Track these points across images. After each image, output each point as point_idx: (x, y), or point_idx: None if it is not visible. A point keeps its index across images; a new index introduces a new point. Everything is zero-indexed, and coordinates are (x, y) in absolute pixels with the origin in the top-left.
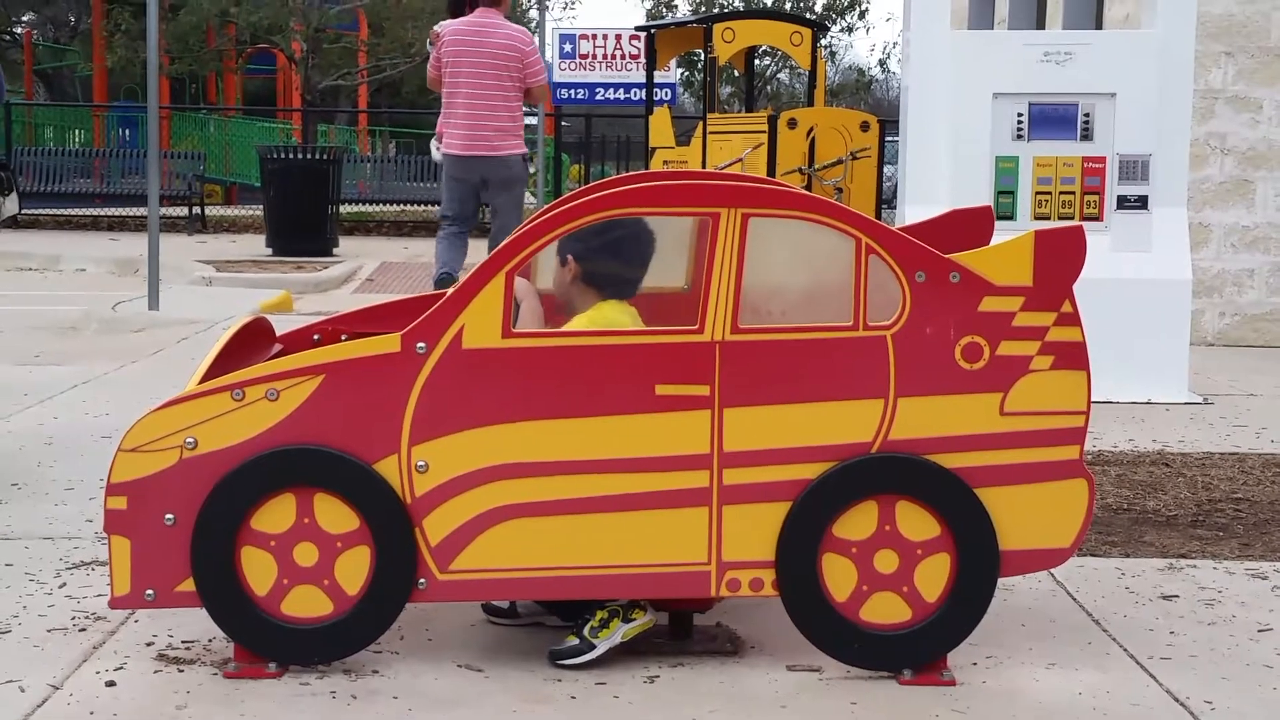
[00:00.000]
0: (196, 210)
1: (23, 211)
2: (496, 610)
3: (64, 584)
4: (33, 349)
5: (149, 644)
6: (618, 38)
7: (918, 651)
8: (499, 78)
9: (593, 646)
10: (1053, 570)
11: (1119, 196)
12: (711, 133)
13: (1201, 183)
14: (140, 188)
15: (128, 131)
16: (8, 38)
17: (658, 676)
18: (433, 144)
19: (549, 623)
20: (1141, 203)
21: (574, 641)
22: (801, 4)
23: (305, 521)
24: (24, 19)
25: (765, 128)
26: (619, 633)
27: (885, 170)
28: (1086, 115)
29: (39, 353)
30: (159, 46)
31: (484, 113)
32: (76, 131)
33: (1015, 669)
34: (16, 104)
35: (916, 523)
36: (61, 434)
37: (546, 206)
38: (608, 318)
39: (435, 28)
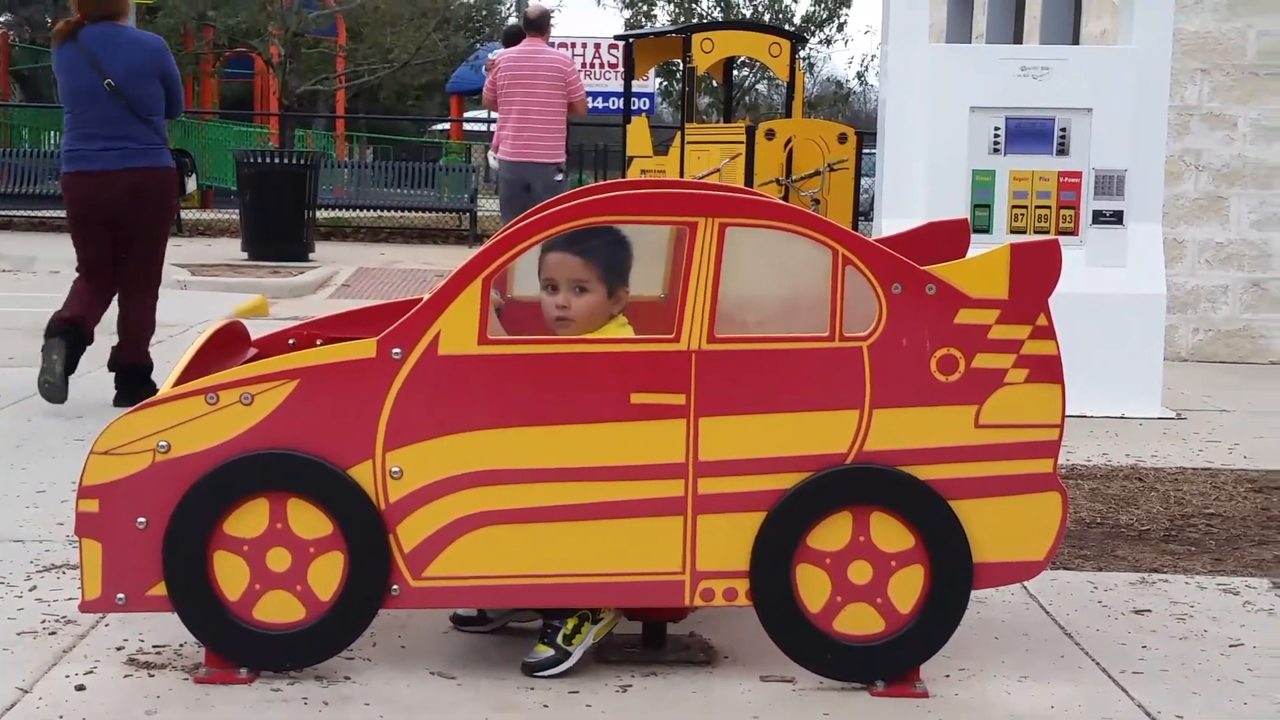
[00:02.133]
0: None
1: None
2: (465, 619)
3: (34, 587)
4: (6, 351)
5: (119, 648)
6: (596, 47)
7: (891, 663)
8: (546, 96)
9: (568, 655)
10: (1026, 583)
11: (1094, 211)
12: (689, 142)
13: (1176, 199)
14: None
15: None
16: None
17: (630, 686)
18: (489, 153)
19: (516, 623)
20: (1117, 218)
21: (549, 652)
22: (780, 15)
23: (278, 526)
24: (0, 19)
25: (743, 138)
26: (590, 635)
27: (862, 182)
28: (1063, 130)
29: (12, 355)
30: None
31: (533, 126)
32: (52, 133)
33: (988, 681)
34: None
35: (890, 534)
36: (34, 436)
37: (524, 214)
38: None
39: (491, 56)
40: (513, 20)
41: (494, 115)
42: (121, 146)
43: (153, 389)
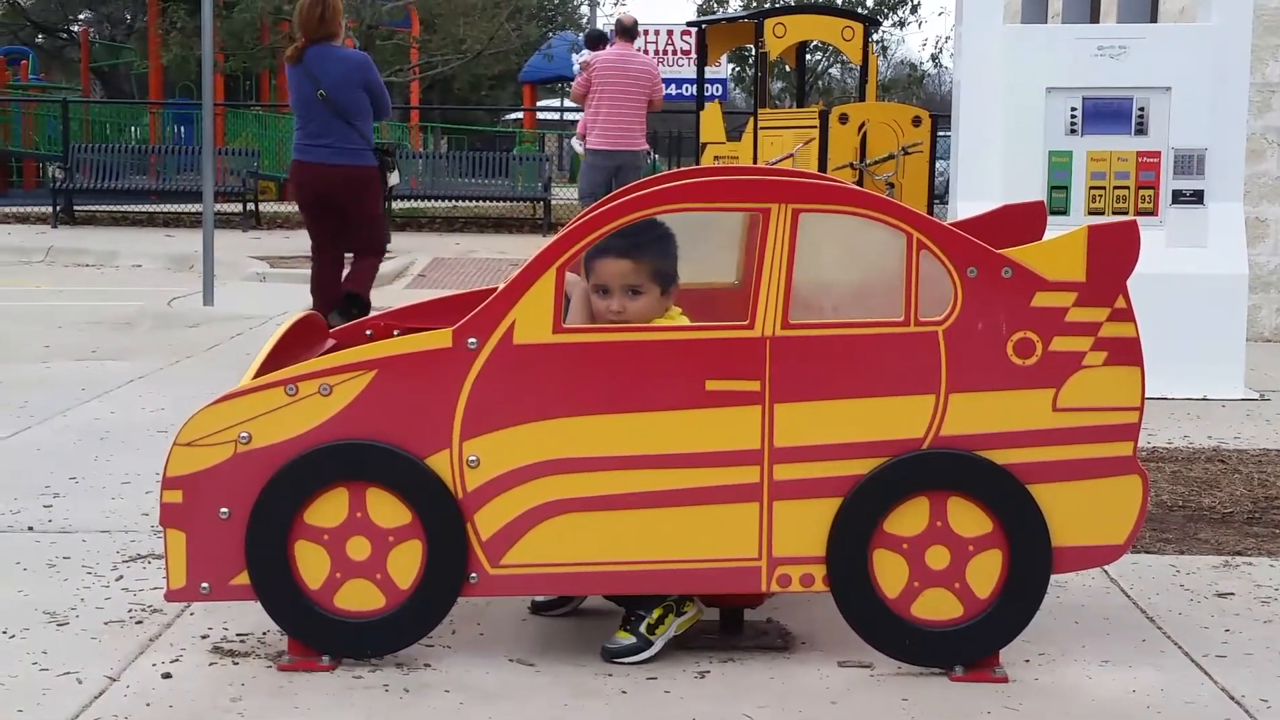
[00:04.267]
0: (250, 206)
1: (79, 208)
2: (542, 604)
3: (121, 577)
4: (90, 344)
5: (204, 636)
6: (669, 33)
7: (970, 648)
8: (636, 94)
9: (650, 644)
10: (1106, 567)
11: (1174, 191)
12: (763, 128)
13: (1258, 177)
14: (195, 184)
15: (183, 128)
16: (65, 36)
17: (708, 671)
18: (574, 140)
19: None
20: (1197, 197)
21: (630, 639)
22: None
23: (358, 516)
24: (81, 17)
25: (816, 123)
26: (673, 628)
27: (937, 165)
28: (1141, 109)
29: (96, 348)
30: (214, 44)
31: (626, 119)
32: (132, 129)
33: (1068, 666)
34: (74, 101)
35: (968, 519)
36: (118, 428)
37: (599, 201)
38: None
39: (585, 58)
40: (584, 8)
41: (569, 105)
42: (330, 145)
43: (363, 310)
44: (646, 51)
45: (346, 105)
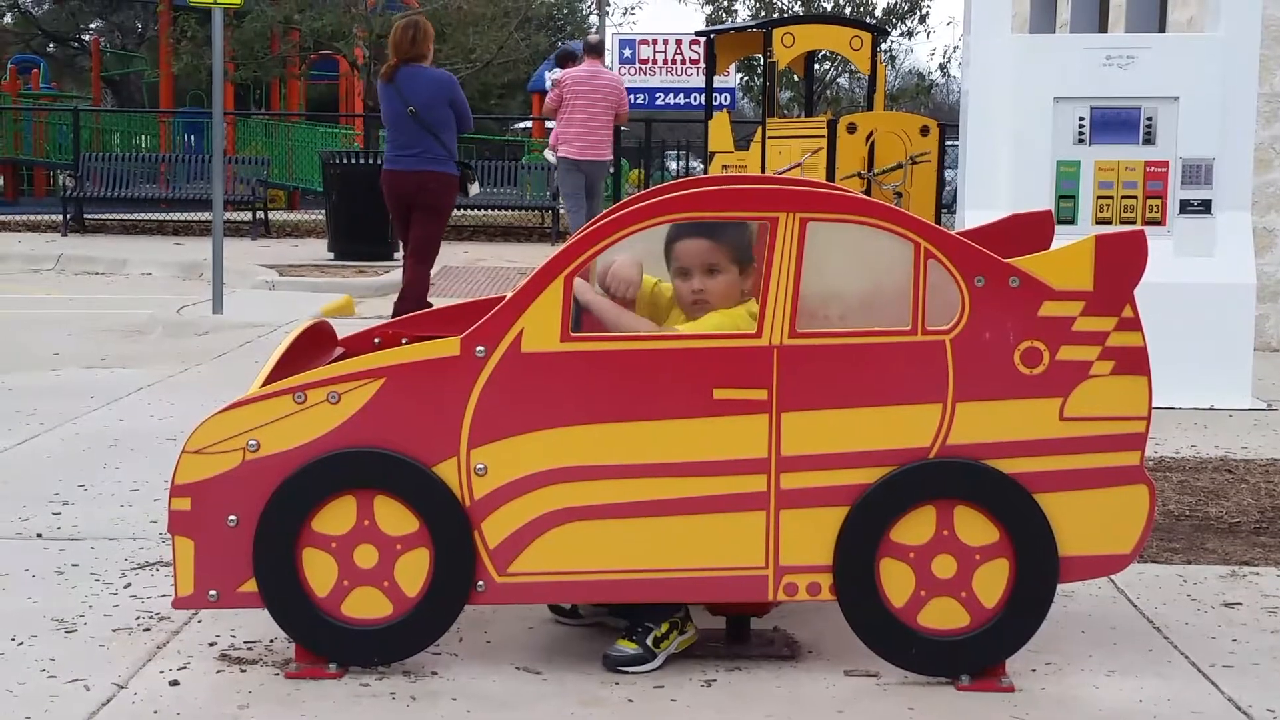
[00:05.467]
0: (260, 215)
1: (89, 216)
2: (560, 609)
3: (129, 584)
4: (99, 352)
5: (212, 644)
6: (678, 43)
7: (976, 657)
8: (604, 108)
9: (654, 656)
10: (1113, 577)
11: (1182, 201)
12: (771, 137)
13: (1266, 187)
14: (205, 193)
15: (193, 137)
16: (76, 45)
17: (715, 680)
18: (547, 151)
19: (611, 624)
20: (1205, 207)
21: (635, 649)
22: (861, 8)
23: (365, 523)
24: (92, 26)
25: (824, 132)
26: (674, 644)
27: (945, 175)
28: (1149, 119)
29: (105, 355)
30: (224, 53)
31: (595, 132)
32: (143, 137)
33: (1075, 676)
34: (85, 110)
35: (975, 528)
36: (127, 436)
37: (607, 210)
38: (742, 320)
39: (556, 75)
40: (593, 18)
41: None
42: (417, 155)
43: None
44: (655, 61)
45: (434, 120)
